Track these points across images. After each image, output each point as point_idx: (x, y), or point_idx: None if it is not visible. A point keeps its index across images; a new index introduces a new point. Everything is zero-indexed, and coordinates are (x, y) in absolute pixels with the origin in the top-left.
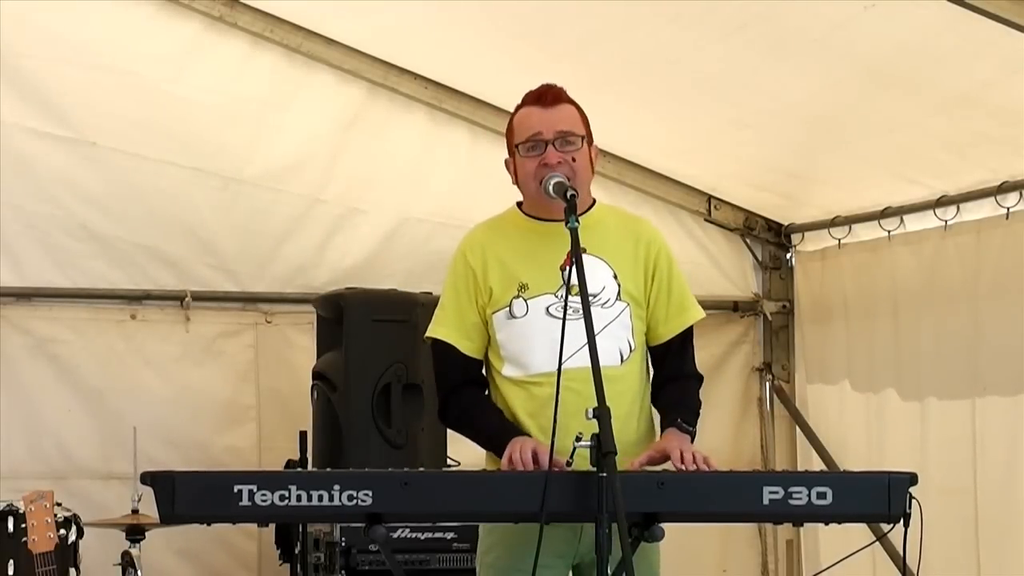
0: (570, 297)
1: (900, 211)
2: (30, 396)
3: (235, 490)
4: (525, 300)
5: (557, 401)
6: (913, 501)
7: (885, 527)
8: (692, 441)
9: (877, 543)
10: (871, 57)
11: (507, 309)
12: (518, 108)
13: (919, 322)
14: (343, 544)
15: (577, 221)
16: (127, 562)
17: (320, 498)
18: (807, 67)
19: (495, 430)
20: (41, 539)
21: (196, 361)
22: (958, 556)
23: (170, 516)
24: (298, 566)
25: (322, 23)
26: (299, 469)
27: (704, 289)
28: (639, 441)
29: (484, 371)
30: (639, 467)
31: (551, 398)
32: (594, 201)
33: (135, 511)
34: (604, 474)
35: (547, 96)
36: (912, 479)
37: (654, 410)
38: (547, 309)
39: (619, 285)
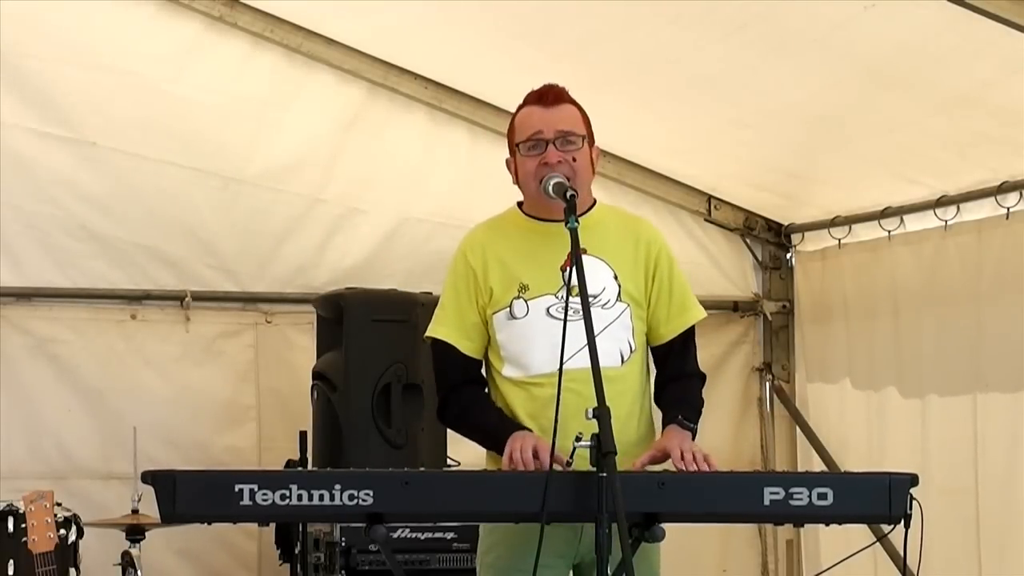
0: (570, 298)
1: (900, 211)
2: (30, 396)
3: (236, 489)
4: (525, 301)
5: (558, 402)
6: (914, 502)
7: (886, 528)
8: (693, 438)
9: (878, 544)
10: (871, 57)
11: (507, 310)
12: (520, 108)
13: (920, 322)
14: (343, 544)
15: (577, 221)
16: (127, 562)
17: (321, 498)
18: (807, 67)
19: (494, 426)
20: (41, 539)
21: (196, 361)
22: (959, 556)
23: (171, 515)
24: (298, 566)
25: (322, 23)
26: (299, 469)
27: (704, 289)
28: (639, 442)
29: (484, 371)
30: (641, 467)
31: (551, 399)
32: (595, 201)
33: (135, 511)
34: (604, 474)
35: (549, 96)
36: (913, 480)
37: (655, 411)
38: (547, 310)
39: (619, 286)
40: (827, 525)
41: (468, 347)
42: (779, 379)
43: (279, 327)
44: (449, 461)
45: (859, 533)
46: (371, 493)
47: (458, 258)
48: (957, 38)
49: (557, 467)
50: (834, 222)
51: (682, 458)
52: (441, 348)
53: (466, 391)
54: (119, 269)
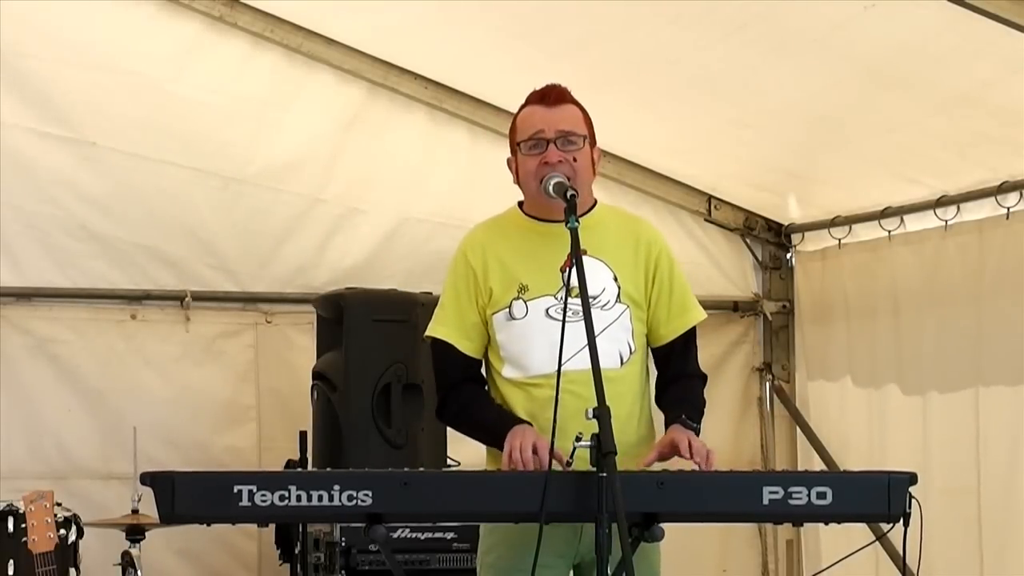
0: (570, 299)
1: (900, 211)
2: (30, 396)
3: (235, 490)
4: (525, 302)
5: (557, 403)
6: (913, 501)
7: (885, 527)
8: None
9: (879, 543)
10: (871, 57)
11: (507, 310)
12: (522, 107)
13: (920, 322)
14: (343, 544)
15: (577, 221)
16: (127, 562)
17: (320, 498)
18: (807, 67)
19: (493, 421)
20: (41, 539)
21: (196, 361)
22: (961, 555)
23: (170, 516)
24: (298, 566)
25: (322, 23)
26: (299, 469)
27: (704, 289)
28: (639, 443)
29: (484, 371)
30: (648, 465)
31: (550, 400)
32: (595, 202)
33: (135, 511)
34: (604, 474)
35: (550, 95)
36: (912, 479)
37: (655, 411)
38: (547, 311)
39: (619, 287)
40: (826, 524)
41: (468, 347)
42: (779, 379)
43: (279, 327)
44: (449, 461)
45: (859, 532)
46: (370, 493)
47: (458, 258)
48: (957, 38)
49: (557, 467)
50: (834, 222)
51: (690, 450)
52: (441, 348)
53: (465, 389)
54: (119, 269)
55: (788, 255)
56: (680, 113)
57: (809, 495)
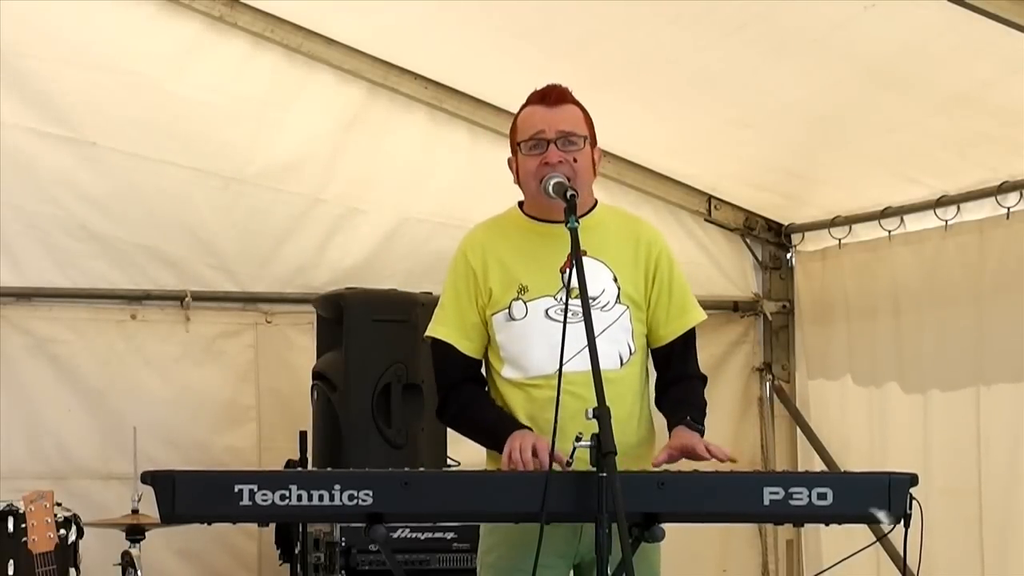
0: (570, 300)
1: (900, 211)
2: (30, 396)
3: (236, 490)
4: (524, 302)
5: (558, 404)
6: (913, 502)
7: (886, 527)
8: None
9: (879, 544)
10: (871, 57)
11: (506, 311)
12: (522, 107)
13: (921, 322)
14: (343, 544)
15: (577, 222)
16: (127, 562)
17: (320, 498)
18: (807, 67)
19: (493, 424)
20: (41, 539)
21: (196, 361)
22: (961, 555)
23: (170, 516)
24: (298, 566)
25: (322, 23)
26: (299, 469)
27: (704, 289)
28: (639, 443)
29: (484, 371)
30: (658, 465)
31: (550, 400)
32: (596, 202)
33: (135, 511)
34: (604, 474)
35: (551, 95)
36: (913, 480)
37: (654, 412)
38: (546, 312)
39: (619, 288)
40: (827, 525)
41: (468, 347)
42: (779, 379)
43: (279, 327)
44: (449, 461)
45: (860, 533)
46: (371, 493)
47: (458, 258)
48: (957, 38)
49: (557, 467)
50: (834, 222)
51: (707, 449)
52: (441, 348)
53: (465, 389)
54: (119, 269)
55: (788, 255)
56: (680, 113)
57: (810, 496)
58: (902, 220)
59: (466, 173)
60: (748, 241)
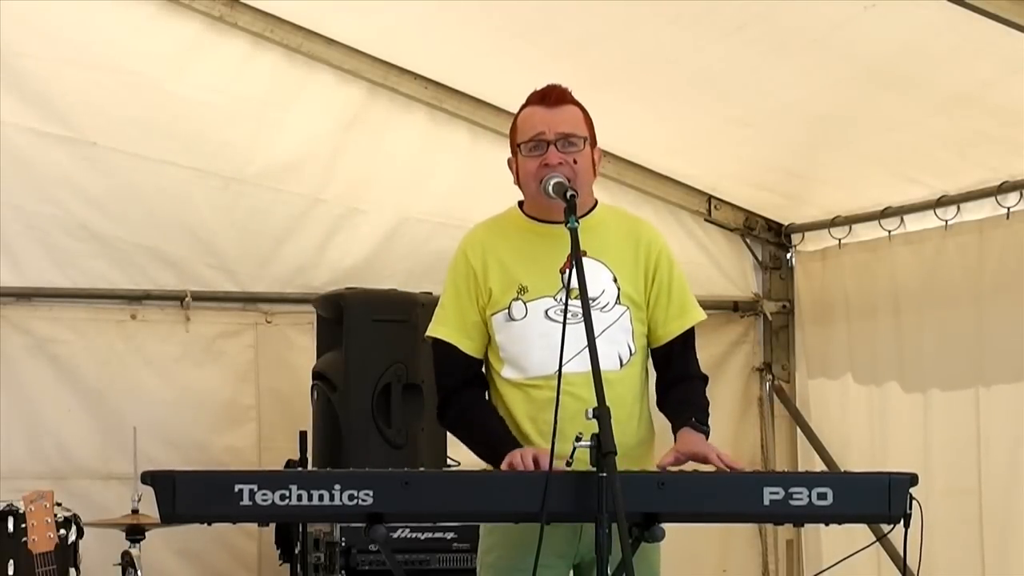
0: (569, 300)
1: (900, 211)
2: (30, 396)
3: (236, 490)
4: (524, 303)
5: (557, 405)
6: (913, 502)
7: (885, 528)
8: (707, 439)
9: (878, 544)
10: (871, 57)
11: (506, 311)
12: (522, 108)
13: (921, 322)
14: (343, 544)
15: (577, 222)
16: (127, 562)
17: (320, 498)
18: (807, 67)
19: (491, 438)
20: (41, 539)
21: (196, 361)
22: (962, 555)
23: (170, 516)
24: (298, 566)
25: (322, 23)
26: (299, 469)
27: (704, 289)
28: (638, 444)
29: (484, 371)
30: (665, 467)
31: (549, 401)
32: (596, 202)
33: (135, 511)
34: (604, 474)
35: (551, 96)
36: (912, 479)
37: (654, 413)
38: (546, 312)
39: (619, 289)
40: (827, 525)
41: (469, 346)
42: (779, 379)
43: (279, 327)
44: (449, 461)
45: (860, 533)
46: (371, 493)
47: (459, 257)
48: (957, 38)
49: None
50: (834, 222)
51: (720, 459)
52: (441, 348)
53: (466, 395)
54: (119, 269)
55: (788, 255)
56: (680, 113)
57: (810, 496)
58: (902, 220)
59: (466, 173)
60: (748, 241)
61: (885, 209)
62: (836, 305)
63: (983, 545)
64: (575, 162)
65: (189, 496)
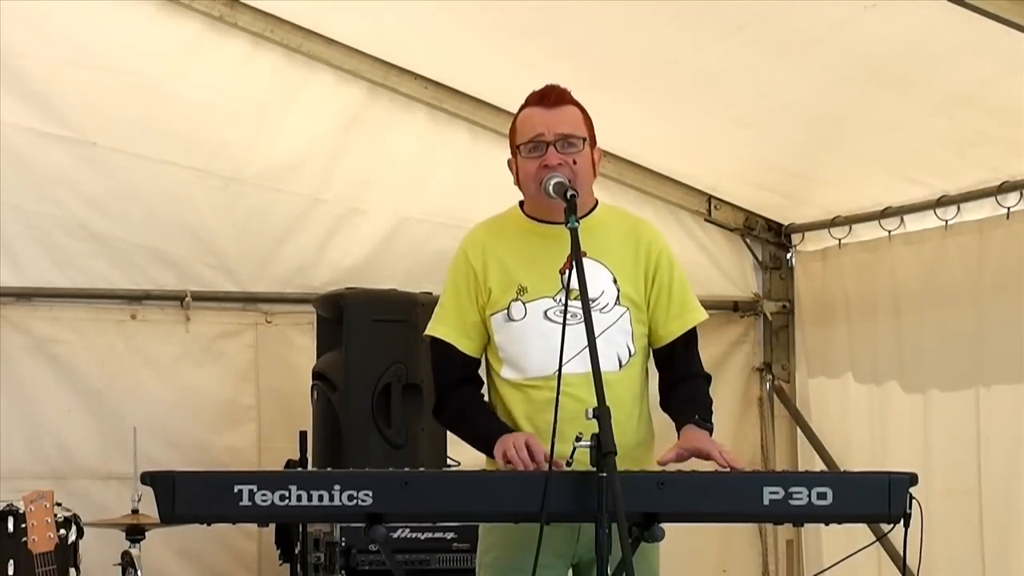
0: (569, 301)
1: (900, 211)
2: (30, 396)
3: (235, 490)
4: (523, 303)
5: (557, 405)
6: (913, 501)
7: (885, 527)
8: (711, 436)
9: (878, 544)
10: (871, 57)
11: (505, 312)
12: (521, 108)
13: (921, 322)
14: (343, 544)
15: (577, 222)
16: (127, 562)
17: (320, 498)
18: (807, 67)
19: (485, 429)
20: (41, 539)
21: (196, 361)
22: (962, 555)
23: (170, 516)
24: (298, 566)
25: (322, 23)
26: (299, 469)
27: (704, 289)
28: (638, 445)
29: (483, 371)
30: (666, 464)
31: (548, 402)
32: (596, 203)
33: (135, 511)
34: (604, 474)
35: (550, 97)
36: (912, 479)
37: (654, 413)
38: (545, 313)
39: (618, 289)
40: (827, 525)
41: (467, 346)
42: (779, 379)
43: (279, 327)
44: (449, 461)
45: (860, 533)
46: (371, 493)
47: (459, 257)
48: (957, 38)
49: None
50: (834, 222)
51: (722, 456)
52: (440, 347)
53: (463, 392)
54: (119, 269)
55: (788, 255)
56: (680, 113)
57: (810, 495)
58: (902, 220)
59: (466, 173)
60: (748, 241)
61: (885, 209)
62: (836, 305)
63: (983, 545)
64: (575, 163)
65: (189, 496)
